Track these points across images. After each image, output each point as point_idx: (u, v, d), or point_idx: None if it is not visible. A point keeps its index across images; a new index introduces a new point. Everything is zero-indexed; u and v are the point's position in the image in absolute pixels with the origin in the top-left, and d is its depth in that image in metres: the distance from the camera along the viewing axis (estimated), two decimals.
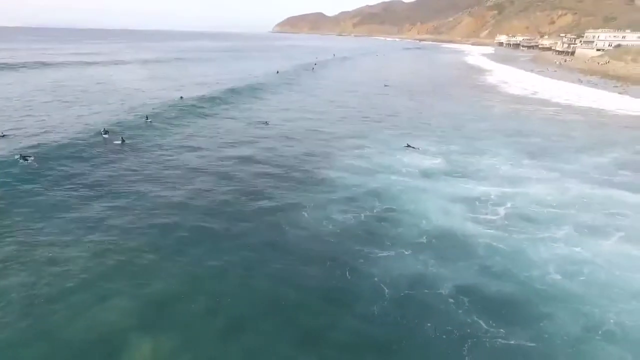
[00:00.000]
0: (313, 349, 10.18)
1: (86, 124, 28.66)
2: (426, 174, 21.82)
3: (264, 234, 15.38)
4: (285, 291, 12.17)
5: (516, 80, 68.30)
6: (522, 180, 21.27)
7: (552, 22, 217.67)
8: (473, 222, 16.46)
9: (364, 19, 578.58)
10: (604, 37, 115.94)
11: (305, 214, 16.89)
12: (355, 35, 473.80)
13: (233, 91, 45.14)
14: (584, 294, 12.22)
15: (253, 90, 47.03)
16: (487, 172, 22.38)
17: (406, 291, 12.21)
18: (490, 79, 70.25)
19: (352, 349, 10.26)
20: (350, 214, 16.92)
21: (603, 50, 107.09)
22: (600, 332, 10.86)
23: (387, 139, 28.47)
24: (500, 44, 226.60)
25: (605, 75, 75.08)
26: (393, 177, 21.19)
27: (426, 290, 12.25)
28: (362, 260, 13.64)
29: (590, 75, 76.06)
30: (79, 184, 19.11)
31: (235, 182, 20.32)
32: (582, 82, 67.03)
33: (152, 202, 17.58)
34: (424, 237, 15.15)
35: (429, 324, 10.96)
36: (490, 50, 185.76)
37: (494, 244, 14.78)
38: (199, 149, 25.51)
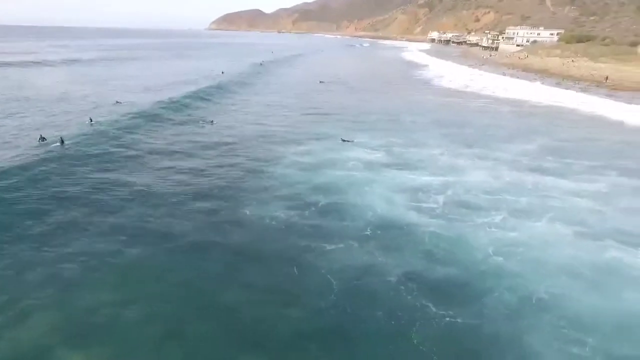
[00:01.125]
0: (258, 348, 9.85)
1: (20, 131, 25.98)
2: (370, 167, 22.08)
3: (205, 234, 14.71)
4: (228, 291, 11.73)
5: (450, 74, 71.76)
6: (460, 169, 22.18)
7: (477, 20, 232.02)
8: (416, 211, 16.85)
9: (303, 16, 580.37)
10: (522, 34, 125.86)
11: (248, 212, 16.38)
12: (297, 33, 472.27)
13: (176, 91, 42.72)
14: (520, 271, 12.94)
15: (199, 91, 44.54)
16: (427, 163, 23.09)
17: (354, 282, 12.20)
18: (427, 74, 73.07)
19: (299, 343, 10.07)
20: (295, 210, 16.64)
21: (522, 45, 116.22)
22: (534, 303, 11.65)
23: (331, 134, 28.44)
24: (433, 40, 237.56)
25: (525, 68, 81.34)
26: (337, 172, 21.18)
27: (374, 280, 12.33)
28: (308, 255, 13.43)
29: (513, 68, 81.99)
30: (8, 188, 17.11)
31: (175, 182, 19.29)
32: (506, 74, 72.08)
33: (89, 205, 16.31)
34: (370, 229, 15.26)
35: (378, 312, 11.02)
36: (427, 46, 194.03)
37: (437, 231, 15.21)
38: (140, 149, 24.01)
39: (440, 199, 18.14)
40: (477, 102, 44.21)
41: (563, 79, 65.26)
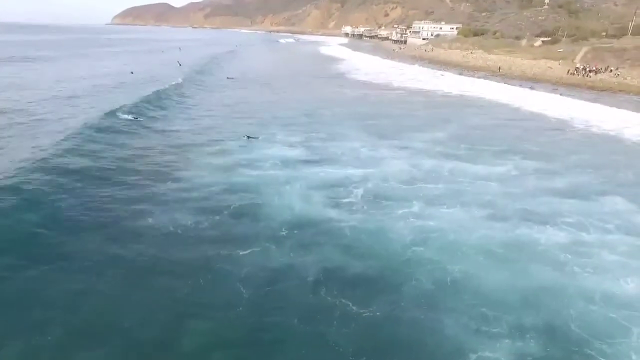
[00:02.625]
0: None
1: None
2: (288, 165, 21.11)
3: (100, 249, 12.70)
4: (123, 310, 10.20)
5: (365, 67, 73.59)
6: (378, 160, 22.14)
7: (387, 15, 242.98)
8: (336, 207, 16.27)
9: (215, 11, 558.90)
10: (427, 28, 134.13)
11: (151, 220, 14.55)
12: (212, 28, 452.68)
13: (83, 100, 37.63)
14: (437, 257, 12.94)
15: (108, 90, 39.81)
16: (347, 156, 22.68)
17: (268, 287, 11.26)
18: (343, 67, 73.92)
19: (203, 358, 9.04)
20: (205, 215, 15.13)
21: (427, 39, 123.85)
22: (451, 286, 11.77)
23: (247, 132, 26.95)
24: (347, 34, 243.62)
25: (431, 60, 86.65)
26: (254, 172, 19.87)
27: (290, 282, 11.49)
28: (218, 264, 12.15)
29: (421, 60, 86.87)
30: None
31: (67, 191, 16.37)
32: (415, 66, 76.01)
33: None
34: (288, 229, 14.33)
35: (292, 316, 10.22)
36: (345, 40, 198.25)
37: (357, 225, 14.75)
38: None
39: (360, 192, 17.79)
40: (391, 94, 45.60)
41: (464, 70, 70.53)
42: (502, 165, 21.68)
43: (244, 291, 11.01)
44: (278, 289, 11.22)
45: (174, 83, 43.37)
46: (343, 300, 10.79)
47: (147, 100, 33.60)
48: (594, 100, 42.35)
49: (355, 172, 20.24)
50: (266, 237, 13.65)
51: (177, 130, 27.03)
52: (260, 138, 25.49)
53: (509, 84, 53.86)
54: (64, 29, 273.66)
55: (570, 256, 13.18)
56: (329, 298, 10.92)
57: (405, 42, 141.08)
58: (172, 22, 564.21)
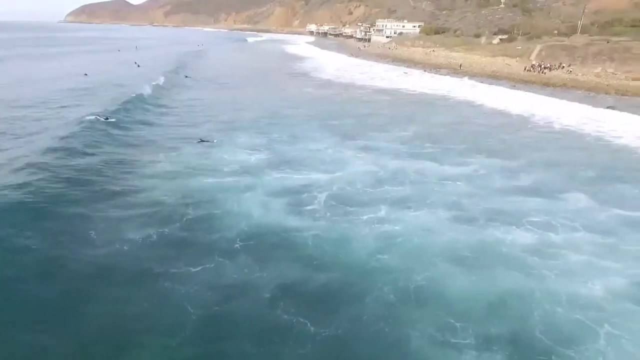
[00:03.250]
0: None
1: None
2: (248, 170, 19.98)
3: (35, 268, 11.27)
4: (56, 337, 9.10)
5: (329, 65, 72.99)
6: (343, 162, 21.39)
7: (350, 13, 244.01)
8: (298, 214, 15.38)
9: (176, 8, 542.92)
10: (390, 26, 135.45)
11: (94, 234, 13.15)
12: (173, 26, 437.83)
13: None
14: (402, 264, 12.36)
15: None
16: (311, 159, 21.78)
17: (220, 307, 10.27)
18: (307, 65, 73.01)
19: None
20: (155, 228, 13.86)
21: (391, 37, 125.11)
22: (415, 295, 11.17)
23: (202, 136, 25.54)
24: (312, 32, 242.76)
25: (395, 58, 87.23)
26: (211, 179, 18.60)
27: (245, 301, 10.53)
28: (165, 283, 11.01)
29: (385, 58, 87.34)
30: None
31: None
32: (379, 64, 76.25)
33: None
34: (245, 241, 13.31)
35: (243, 339, 9.32)
36: (312, 39, 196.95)
37: (320, 234, 13.93)
38: None
39: (324, 197, 16.95)
40: (356, 93, 45.11)
41: (427, 67, 71.38)
42: (467, 165, 21.49)
43: (193, 312, 9.96)
44: (230, 309, 10.23)
45: (130, 84, 40.97)
46: (301, 319, 9.94)
47: (100, 103, 31.34)
48: (551, 96, 43.63)
49: (319, 176, 19.43)
50: (220, 251, 12.59)
51: (126, 135, 25.18)
52: (215, 141, 24.21)
53: (470, 81, 54.80)
54: (8, 26, 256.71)
55: (537, 259, 12.90)
56: (285, 317, 10.04)
57: (369, 40, 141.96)
58: (130, 20, 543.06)
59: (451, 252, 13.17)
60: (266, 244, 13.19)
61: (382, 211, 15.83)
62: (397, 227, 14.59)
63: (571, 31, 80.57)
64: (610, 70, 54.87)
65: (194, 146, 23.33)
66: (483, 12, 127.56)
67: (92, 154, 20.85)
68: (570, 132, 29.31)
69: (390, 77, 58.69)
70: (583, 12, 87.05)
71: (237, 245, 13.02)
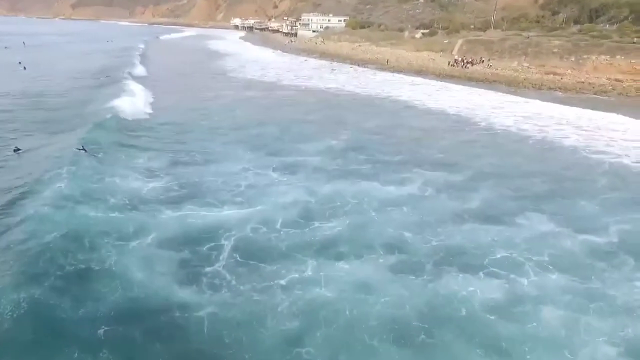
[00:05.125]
0: None
1: None
2: (140, 205, 15.31)
3: None
4: None
5: (253, 62, 67.91)
6: (264, 190, 17.45)
7: (276, 7, 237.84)
8: (193, 281, 11.24)
9: (85, 0, 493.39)
10: (316, 20, 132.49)
11: None
12: (84, 19, 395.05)
13: None
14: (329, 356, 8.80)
15: None
16: (221, 187, 17.52)
17: None
18: (229, 63, 66.67)
19: None
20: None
21: (317, 31, 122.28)
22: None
23: (88, 147, 19.99)
24: (236, 27, 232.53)
25: (322, 53, 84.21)
26: (92, 213, 13.98)
27: None
28: None
29: (312, 54, 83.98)
30: None
31: None
32: (307, 61, 72.70)
33: None
34: (113, 325, 9.09)
35: None
36: (240, 34, 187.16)
37: (219, 313, 10.00)
38: None
39: (232, 249, 12.90)
40: (281, 94, 40.85)
41: (355, 63, 69.27)
42: (410, 182, 18.50)
43: None
44: None
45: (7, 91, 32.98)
46: None
47: None
48: (479, 91, 43.05)
49: (230, 212, 15.30)
50: (76, 344, 8.05)
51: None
52: (100, 155, 19.31)
53: (399, 77, 53.28)
54: None
55: (507, 323, 10.05)
56: None
57: (295, 34, 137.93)
58: (30, 12, 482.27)
59: (394, 325, 9.96)
60: (140, 331, 8.96)
61: (309, 266, 12.13)
62: (326, 293, 11.00)
63: (485, 26, 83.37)
64: (525, 64, 56.59)
65: (74, 160, 17.88)
66: (404, 6, 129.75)
67: None
68: (512, 133, 27.49)
69: (318, 74, 55.29)
70: (495, 8, 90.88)
71: (100, 333, 8.63)
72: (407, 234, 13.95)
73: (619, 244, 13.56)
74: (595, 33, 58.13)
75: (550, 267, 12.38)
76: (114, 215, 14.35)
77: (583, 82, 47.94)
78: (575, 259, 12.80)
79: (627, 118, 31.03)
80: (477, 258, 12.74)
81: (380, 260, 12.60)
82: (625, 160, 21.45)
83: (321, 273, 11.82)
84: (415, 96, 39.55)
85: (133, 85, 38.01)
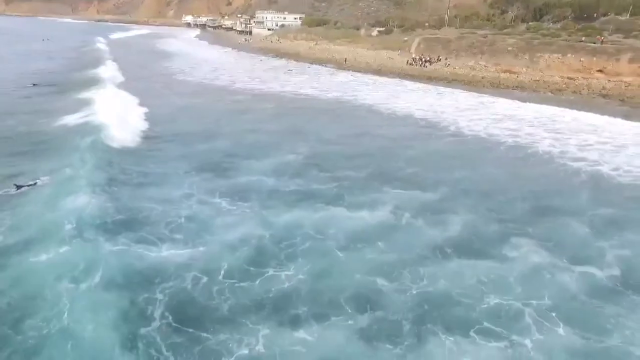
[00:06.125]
0: None
1: None
2: (66, 237, 12.06)
3: None
4: None
5: (205, 63, 63.55)
6: (209, 223, 14.51)
7: (229, 3, 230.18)
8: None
9: None
10: (271, 18, 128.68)
11: None
12: (20, 15, 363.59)
13: None
14: None
15: None
16: (158, 220, 14.47)
17: None
18: (178, 64, 61.82)
19: None
20: None
21: (272, 29, 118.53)
22: None
23: (17, 180, 16.25)
24: (188, 24, 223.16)
25: (278, 52, 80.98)
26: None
27: None
28: None
29: (268, 53, 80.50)
30: None
31: None
32: (262, 61, 69.22)
33: None
34: None
35: None
36: (197, 31, 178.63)
37: None
38: None
39: (166, 307, 10.19)
40: (233, 99, 37.29)
41: (312, 62, 66.70)
42: (380, 206, 16.04)
43: None
44: None
45: None
46: None
47: None
48: (441, 93, 41.73)
49: (167, 253, 12.36)
50: None
51: None
52: (37, 184, 16.28)
53: (358, 78, 51.24)
54: None
55: None
56: None
57: (250, 32, 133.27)
58: None
59: None
60: None
61: (259, 339, 9.46)
62: None
63: (439, 24, 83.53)
64: (482, 62, 56.47)
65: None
66: (360, 4, 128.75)
67: None
68: (482, 140, 25.72)
69: (273, 75, 52.10)
70: (448, 6, 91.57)
71: None
72: (380, 282, 11.48)
73: (621, 278, 11.81)
74: (544, 31, 59.09)
75: (554, 316, 10.34)
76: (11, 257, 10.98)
77: (538, 81, 48.18)
78: (579, 303, 10.86)
79: (595, 116, 30.60)
80: (466, 309, 10.49)
81: (349, 323, 10.05)
82: (604, 169, 20.19)
83: (276, 348, 9.10)
84: (377, 99, 37.39)
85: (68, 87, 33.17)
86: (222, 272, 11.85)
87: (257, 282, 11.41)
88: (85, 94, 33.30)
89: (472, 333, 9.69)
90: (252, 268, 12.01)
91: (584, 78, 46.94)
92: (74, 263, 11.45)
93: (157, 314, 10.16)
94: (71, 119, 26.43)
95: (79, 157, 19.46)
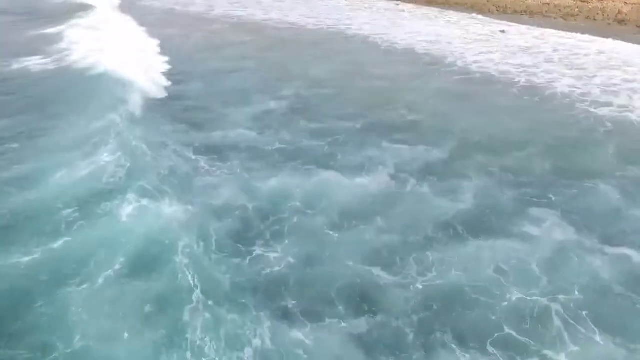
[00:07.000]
0: None
1: None
2: None
3: None
4: None
5: None
6: (191, 183, 12.25)
7: None
8: None
9: None
10: None
11: None
12: None
13: None
14: None
15: None
16: (119, 182, 11.96)
17: None
18: None
19: None
20: None
21: None
22: None
23: None
24: None
25: None
26: None
27: None
28: None
29: None
30: None
31: None
32: None
33: None
34: None
35: None
36: None
37: None
38: None
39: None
40: (208, 30, 32.84)
41: None
42: (379, 168, 13.64)
43: None
44: None
45: None
46: None
47: None
48: (443, 17, 37.34)
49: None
50: None
51: None
52: None
53: (352, 2, 45.77)
54: None
55: None
56: None
57: None
58: None
59: None
60: None
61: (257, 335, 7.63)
62: None
63: None
64: None
65: None
66: None
67: None
68: (493, 79, 22.30)
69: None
70: None
71: None
72: (379, 273, 9.56)
73: None
74: None
75: (586, 316, 8.62)
76: None
77: (549, 4, 43.70)
78: (615, 297, 9.13)
79: (620, 43, 27.35)
80: (483, 310, 8.70)
81: (342, 325, 8.30)
82: (633, 116, 17.71)
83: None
84: (374, 28, 33.14)
85: None
86: (211, 245, 9.88)
87: (246, 261, 9.60)
88: None
89: (490, 345, 8.03)
90: (239, 246, 10.09)
91: (599, 1, 42.77)
92: None
93: None
94: None
95: None
